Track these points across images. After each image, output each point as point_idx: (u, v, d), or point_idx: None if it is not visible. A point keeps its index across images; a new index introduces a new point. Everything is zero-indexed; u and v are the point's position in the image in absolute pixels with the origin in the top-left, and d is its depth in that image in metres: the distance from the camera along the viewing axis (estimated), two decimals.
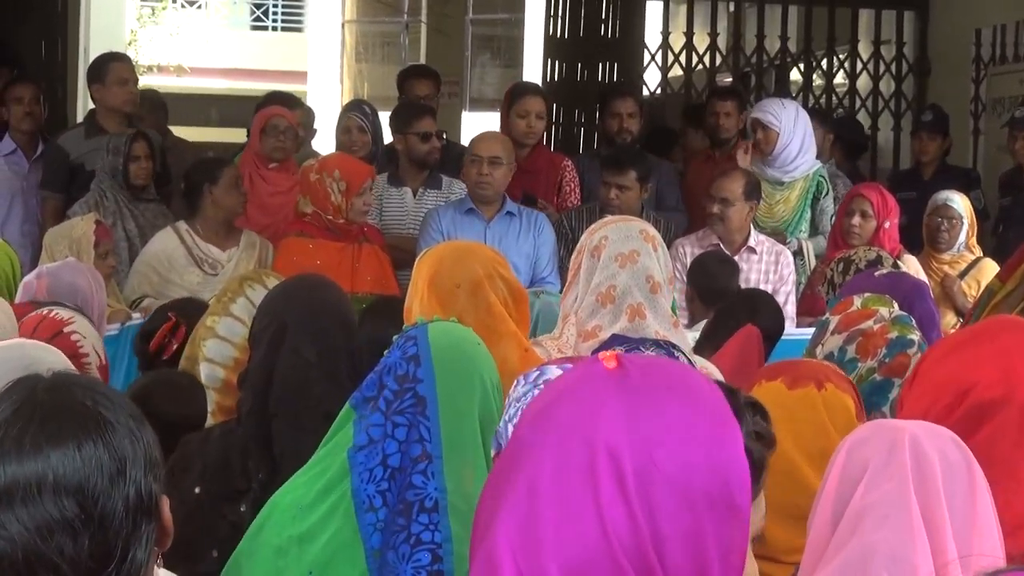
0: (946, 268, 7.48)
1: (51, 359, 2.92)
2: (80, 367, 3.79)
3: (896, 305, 3.89)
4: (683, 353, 3.59)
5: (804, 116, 7.97)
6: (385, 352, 4.16)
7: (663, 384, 1.80)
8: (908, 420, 2.43)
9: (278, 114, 7.59)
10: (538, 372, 2.46)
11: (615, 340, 3.67)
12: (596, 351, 3.67)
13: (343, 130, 8.04)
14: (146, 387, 4.34)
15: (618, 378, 1.79)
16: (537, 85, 8.65)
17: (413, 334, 3.01)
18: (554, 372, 2.45)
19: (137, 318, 5.93)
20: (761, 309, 5.35)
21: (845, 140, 9.57)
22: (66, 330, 3.92)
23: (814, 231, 7.79)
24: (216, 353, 4.35)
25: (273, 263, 6.71)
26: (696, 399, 1.80)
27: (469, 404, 2.89)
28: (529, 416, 1.83)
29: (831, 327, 3.82)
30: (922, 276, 6.51)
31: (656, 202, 7.91)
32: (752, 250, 7.14)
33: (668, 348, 3.55)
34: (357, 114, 8.12)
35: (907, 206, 8.19)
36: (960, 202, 7.54)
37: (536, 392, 2.37)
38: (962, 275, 7.42)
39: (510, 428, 2.35)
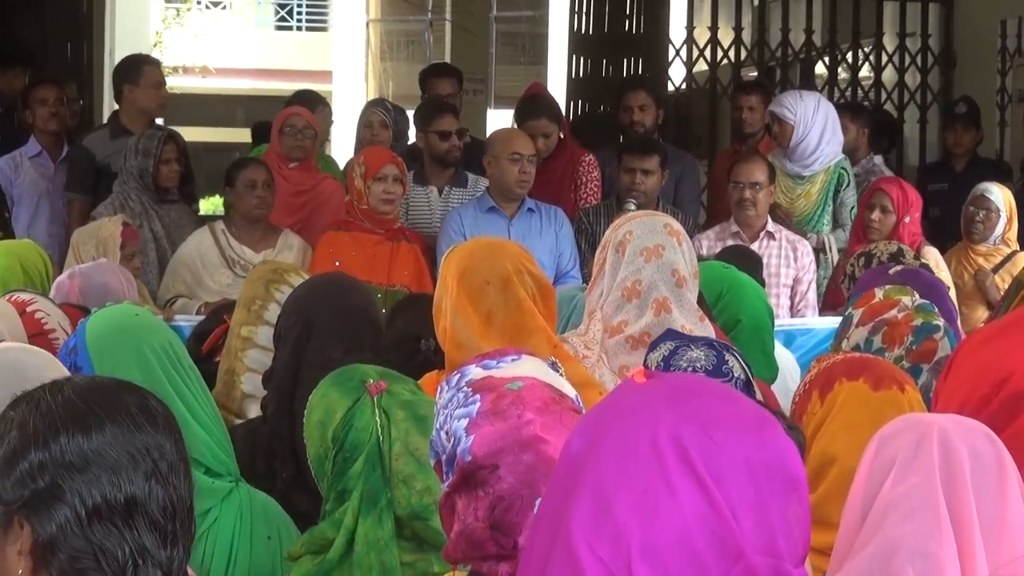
0: (980, 261, 7.43)
1: (36, 362, 2.90)
2: (48, 344, 3.81)
3: (917, 295, 3.88)
4: (735, 355, 3.56)
5: (825, 108, 7.91)
6: (422, 347, 4.18)
7: (701, 387, 1.86)
8: (939, 414, 2.41)
9: (295, 113, 7.60)
10: (459, 375, 2.43)
11: (668, 336, 3.65)
12: (652, 344, 3.66)
13: (365, 124, 8.06)
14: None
15: (656, 385, 1.83)
16: (541, 101, 8.28)
17: (78, 327, 3.08)
18: (475, 372, 2.41)
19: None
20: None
21: (882, 133, 9.56)
22: (29, 310, 3.93)
23: (835, 224, 7.76)
24: (259, 363, 4.21)
25: (312, 258, 6.74)
26: (734, 396, 1.86)
27: (127, 376, 2.84)
28: (577, 433, 1.85)
29: (855, 320, 3.80)
30: (943, 268, 6.50)
31: (674, 195, 7.89)
32: (771, 235, 7.20)
33: (721, 347, 3.52)
34: (380, 109, 8.12)
35: (938, 198, 8.15)
36: (999, 194, 7.46)
37: (461, 396, 2.36)
38: (996, 269, 7.36)
39: (443, 436, 2.34)
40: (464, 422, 2.31)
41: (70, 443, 1.96)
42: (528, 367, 2.42)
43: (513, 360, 2.43)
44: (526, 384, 2.36)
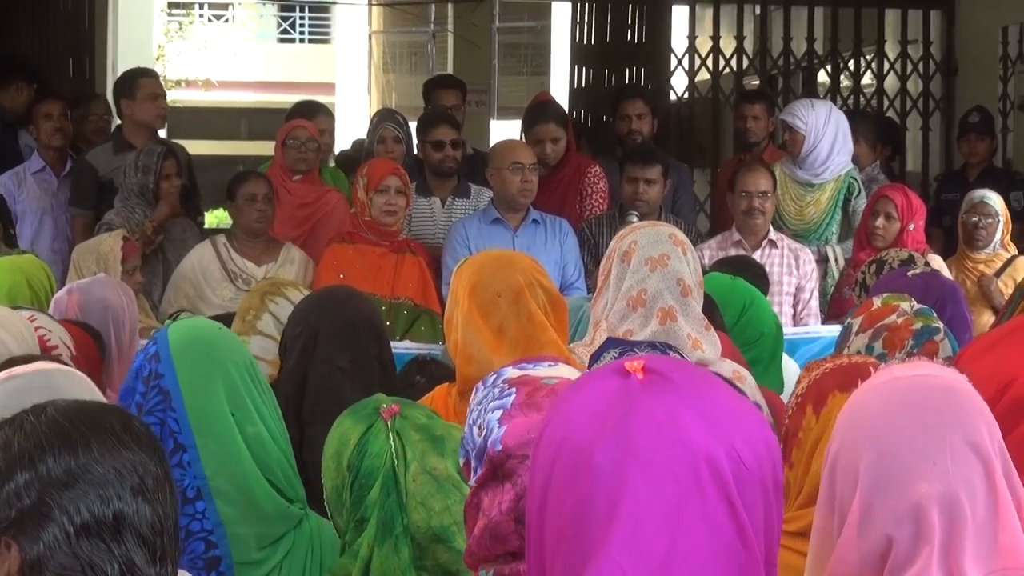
0: (981, 267, 7.44)
1: (74, 387, 2.77)
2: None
3: (915, 302, 3.88)
4: (677, 353, 3.57)
5: (837, 117, 7.89)
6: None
7: (702, 383, 1.84)
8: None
9: (298, 126, 7.58)
10: (496, 374, 2.44)
11: (609, 344, 3.66)
12: (594, 355, 3.66)
13: (378, 140, 8.02)
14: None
15: (662, 383, 1.81)
16: (549, 108, 8.35)
17: (155, 335, 3.06)
18: (512, 372, 2.43)
19: None
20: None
21: (888, 141, 9.56)
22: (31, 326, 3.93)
23: (848, 232, 7.73)
24: None
25: (316, 270, 6.74)
26: (727, 389, 1.85)
27: (213, 386, 2.91)
28: (599, 444, 1.79)
29: (855, 328, 3.79)
30: (948, 277, 6.48)
31: (672, 204, 7.88)
32: (773, 244, 7.20)
33: (663, 348, 3.54)
34: (392, 124, 8.11)
35: (952, 207, 8.13)
36: (997, 200, 7.49)
37: (497, 391, 2.37)
38: (997, 274, 7.37)
39: (475, 431, 2.35)
40: (498, 413, 2.33)
41: (56, 461, 1.95)
42: (564, 371, 2.45)
43: (550, 365, 2.46)
44: (562, 381, 2.37)
